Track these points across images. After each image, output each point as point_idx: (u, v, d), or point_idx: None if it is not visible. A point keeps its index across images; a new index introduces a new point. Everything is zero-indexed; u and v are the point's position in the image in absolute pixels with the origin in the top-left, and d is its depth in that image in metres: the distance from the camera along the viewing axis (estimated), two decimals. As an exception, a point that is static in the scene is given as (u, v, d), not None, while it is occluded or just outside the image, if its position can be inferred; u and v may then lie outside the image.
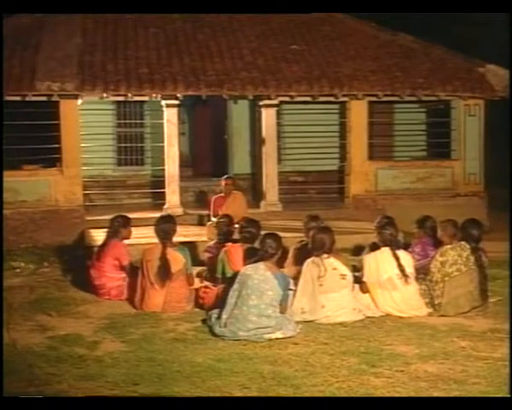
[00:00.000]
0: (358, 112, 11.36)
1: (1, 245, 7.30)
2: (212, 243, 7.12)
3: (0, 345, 4.92)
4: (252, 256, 5.93)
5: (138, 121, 12.59)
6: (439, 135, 12.12)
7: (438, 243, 6.55)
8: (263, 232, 6.20)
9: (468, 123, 11.63)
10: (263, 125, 11.24)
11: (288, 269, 6.56)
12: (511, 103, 11.17)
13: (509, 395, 4.06)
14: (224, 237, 6.79)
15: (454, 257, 6.14)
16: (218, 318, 5.59)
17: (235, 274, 5.77)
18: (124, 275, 6.92)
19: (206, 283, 6.60)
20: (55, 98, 10.21)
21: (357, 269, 6.41)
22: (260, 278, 5.52)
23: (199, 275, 6.91)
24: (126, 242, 7.18)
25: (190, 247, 7.78)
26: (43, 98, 10.15)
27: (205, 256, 7.11)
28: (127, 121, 12.55)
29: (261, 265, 5.62)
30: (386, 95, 11.19)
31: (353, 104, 11.37)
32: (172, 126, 10.82)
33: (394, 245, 6.23)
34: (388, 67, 11.57)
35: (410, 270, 6.16)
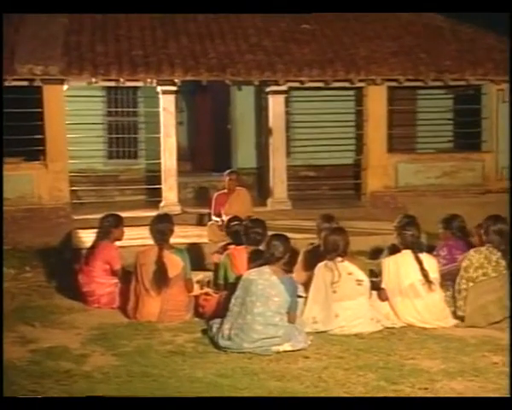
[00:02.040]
0: (377, 99, 11.40)
1: (1, 245, 7.42)
2: (221, 244, 7.25)
3: (0, 345, 5.03)
4: (257, 260, 5.96)
5: (131, 110, 12.65)
6: (467, 124, 12.14)
7: (467, 246, 6.60)
8: (269, 233, 6.24)
9: (502, 110, 11.58)
10: (270, 113, 11.29)
11: (298, 274, 6.58)
12: (511, 103, 11.18)
13: (509, 395, 4.26)
14: (237, 238, 6.78)
15: (480, 260, 6.17)
16: (220, 328, 5.61)
17: (239, 279, 5.81)
18: (115, 281, 6.95)
19: (207, 289, 6.66)
20: (37, 83, 10.25)
21: (374, 274, 6.43)
22: (265, 283, 5.55)
23: (199, 281, 6.95)
24: (118, 244, 7.22)
25: (189, 249, 7.89)
26: (25, 83, 10.18)
27: (213, 259, 7.18)
28: (119, 109, 12.62)
29: (266, 269, 5.66)
30: (409, 79, 11.22)
31: (371, 90, 11.39)
32: (169, 115, 10.86)
33: (417, 247, 6.24)
34: (411, 48, 11.59)
35: (434, 275, 6.16)
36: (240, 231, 6.63)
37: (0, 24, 9.11)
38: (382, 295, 6.18)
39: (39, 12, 9.88)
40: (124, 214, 7.64)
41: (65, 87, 10.52)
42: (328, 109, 12.03)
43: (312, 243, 6.89)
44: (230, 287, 6.08)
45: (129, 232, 7.52)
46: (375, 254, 7.89)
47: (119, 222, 7.22)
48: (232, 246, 6.67)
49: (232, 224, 7.06)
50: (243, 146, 12.90)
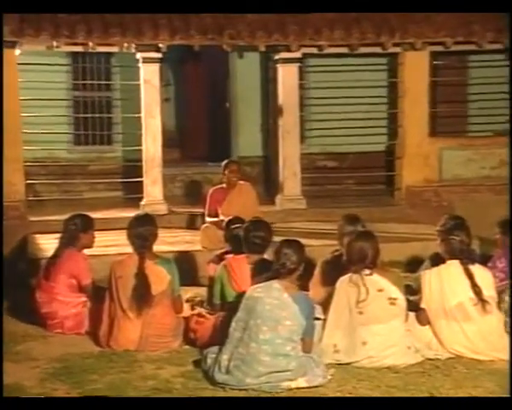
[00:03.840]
0: (416, 68, 11.45)
1: (1, 247, 7.65)
2: (218, 252, 7.33)
3: (0, 345, 5.51)
4: (262, 272, 5.98)
5: (103, 82, 12.71)
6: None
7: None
8: (279, 239, 6.20)
9: None
10: (280, 88, 11.32)
11: (315, 290, 6.60)
12: (511, 103, 11.30)
13: (509, 395, 4.60)
14: (238, 245, 6.77)
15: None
16: (217, 359, 5.61)
17: (240, 297, 5.83)
18: (84, 299, 6.97)
19: (200, 309, 6.68)
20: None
21: (412, 291, 6.40)
22: (274, 302, 5.56)
23: (190, 299, 6.98)
24: (87, 252, 7.25)
25: (178, 259, 7.97)
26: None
27: (208, 271, 7.25)
28: (88, 82, 12.66)
29: (275, 284, 5.66)
30: (458, 42, 11.23)
31: (409, 57, 11.44)
32: (152, 90, 10.90)
33: (466, 257, 6.24)
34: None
35: (489, 293, 6.13)
36: (240, 236, 6.69)
37: (0, 24, 9.48)
38: (422, 318, 6.17)
39: (39, 12, 10.10)
40: (95, 215, 7.64)
41: (17, 52, 10.51)
42: (354, 82, 12.10)
43: (334, 252, 6.88)
44: (229, 307, 6.12)
45: (101, 238, 7.57)
46: (413, 265, 7.89)
47: (88, 225, 7.24)
48: (231, 255, 6.71)
49: (233, 227, 7.09)
50: (246, 129, 12.98)
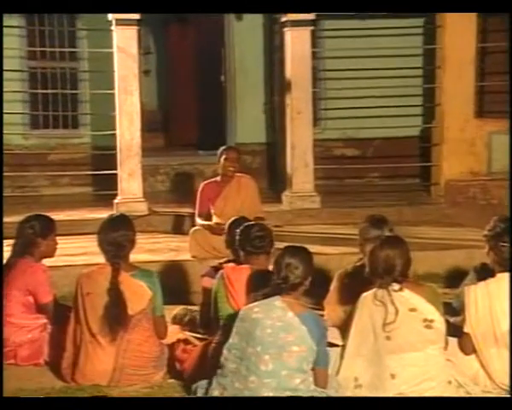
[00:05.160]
0: (459, 31, 11.50)
1: (1, 243, 7.72)
2: (214, 263, 7.46)
3: (0, 345, 5.49)
4: (261, 286, 5.97)
5: (67, 50, 12.76)
6: None
7: None
8: (281, 245, 6.25)
9: None
10: (287, 57, 11.31)
11: (331, 310, 6.68)
12: (511, 103, 11.39)
13: (509, 395, 5.00)
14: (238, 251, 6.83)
15: None
16: (208, 394, 5.62)
17: (236, 317, 5.86)
18: (43, 321, 6.96)
19: (189, 334, 6.77)
20: None
21: (454, 311, 6.54)
22: (277, 323, 5.59)
23: (176, 320, 7.11)
24: (47, 262, 7.24)
25: (162, 271, 8.11)
26: None
27: (203, 285, 7.31)
28: (47, 49, 12.70)
29: (277, 301, 5.69)
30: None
31: (450, 18, 11.41)
32: (129, 60, 10.90)
33: (521, 270, 6.22)
34: None
35: (551, 314, 6.12)
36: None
37: (0, 24, 9.95)
38: (466, 345, 6.18)
39: (40, 12, 10.63)
40: (57, 216, 7.66)
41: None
42: (380, 50, 12.12)
43: (356, 262, 6.88)
44: (226, 329, 6.08)
45: (65, 245, 7.63)
46: (455, 278, 7.90)
47: (49, 228, 7.23)
48: (230, 264, 6.73)
49: (237, 230, 6.98)
50: (245, 109, 13.04)
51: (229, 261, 6.98)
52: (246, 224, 6.77)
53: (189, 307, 7.56)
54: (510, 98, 11.30)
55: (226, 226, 7.39)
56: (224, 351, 5.67)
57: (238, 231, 6.70)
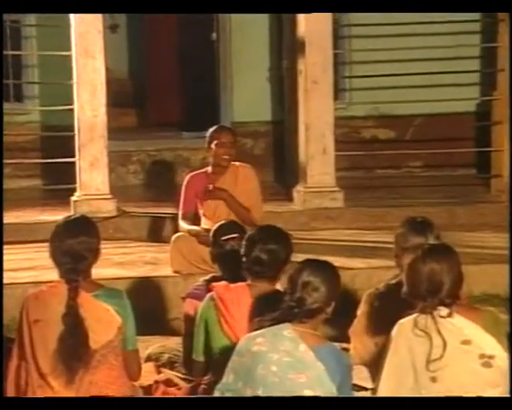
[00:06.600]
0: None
1: (1, 243, 7.93)
2: (200, 281, 7.09)
3: (0, 345, 5.78)
4: (267, 310, 5.59)
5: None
6: None
7: None
8: (296, 257, 6.05)
9: None
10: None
11: (357, 342, 6.31)
12: (511, 104, 11.21)
13: (509, 395, 5.09)
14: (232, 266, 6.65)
15: None
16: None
17: (233, 349, 5.53)
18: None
19: (170, 373, 6.55)
20: None
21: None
22: (285, 359, 5.21)
23: (153, 356, 6.79)
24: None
25: (134, 290, 8.00)
26: None
27: (185, 310, 7.02)
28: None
29: (287, 330, 5.28)
30: None
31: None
32: (88, 15, 9.97)
33: None
34: None
35: None
36: (238, 253, 6.40)
37: (0, 24, 10.33)
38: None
39: (40, 12, 11.01)
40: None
41: None
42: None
43: (390, 280, 6.27)
44: (217, 366, 5.81)
45: (7, 256, 7.66)
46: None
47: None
48: (223, 282, 6.30)
49: (225, 238, 6.92)
50: (244, 78, 12.41)
51: (215, 278, 6.71)
52: (248, 235, 6.40)
53: (169, 342, 7.16)
54: (510, 98, 10.95)
55: (211, 233, 7.12)
56: (216, 393, 5.31)
57: (232, 245, 6.65)
